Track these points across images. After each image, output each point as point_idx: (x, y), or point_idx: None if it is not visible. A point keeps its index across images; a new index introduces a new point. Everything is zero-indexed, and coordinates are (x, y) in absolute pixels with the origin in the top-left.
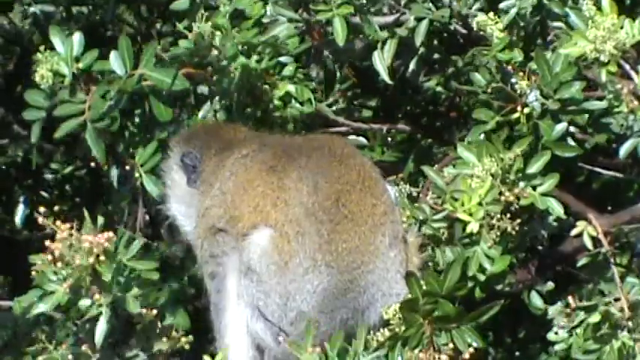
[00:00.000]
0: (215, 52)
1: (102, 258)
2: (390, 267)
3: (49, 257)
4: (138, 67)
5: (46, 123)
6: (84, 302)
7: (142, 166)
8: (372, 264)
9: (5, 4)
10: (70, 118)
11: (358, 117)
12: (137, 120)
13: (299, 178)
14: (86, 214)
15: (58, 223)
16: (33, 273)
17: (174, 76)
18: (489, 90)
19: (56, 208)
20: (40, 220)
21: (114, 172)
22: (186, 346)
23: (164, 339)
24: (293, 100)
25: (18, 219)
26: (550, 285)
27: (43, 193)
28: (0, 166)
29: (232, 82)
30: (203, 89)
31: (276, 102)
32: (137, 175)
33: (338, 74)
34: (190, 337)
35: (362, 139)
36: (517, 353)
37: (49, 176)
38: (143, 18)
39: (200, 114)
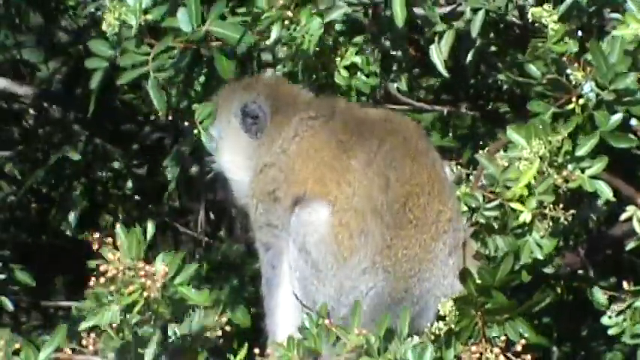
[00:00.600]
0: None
1: (155, 293)
2: (448, 274)
3: (102, 280)
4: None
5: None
6: (137, 327)
7: (200, 123)
8: (429, 272)
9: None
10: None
11: (419, 97)
12: (199, 77)
13: (368, 164)
14: (137, 228)
15: (110, 245)
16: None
17: (243, 33)
18: (544, 81)
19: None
20: (95, 246)
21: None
22: (227, 328)
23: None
24: (358, 72)
25: (72, 219)
26: (611, 280)
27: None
28: (54, 166)
29: (303, 47)
30: (267, 57)
31: (342, 71)
32: (195, 132)
33: (396, 53)
34: (229, 315)
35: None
36: (582, 353)
37: (103, 174)
38: None
39: None
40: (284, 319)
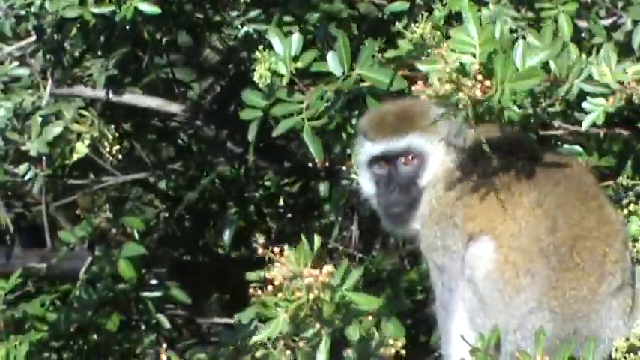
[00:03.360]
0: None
1: (322, 294)
2: (613, 315)
3: (270, 288)
4: (354, 67)
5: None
6: (305, 333)
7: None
8: (596, 313)
9: (214, 25)
10: (287, 118)
11: (574, 121)
12: (354, 121)
13: (538, 204)
14: (304, 240)
15: (276, 250)
16: (250, 290)
17: (393, 77)
18: None
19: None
20: (260, 251)
21: (323, 187)
22: (402, 352)
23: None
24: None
25: (226, 237)
26: None
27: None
28: (209, 184)
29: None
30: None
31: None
32: (353, 175)
33: None
34: (403, 340)
35: (577, 148)
36: None
37: (257, 194)
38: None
39: None
40: (459, 342)
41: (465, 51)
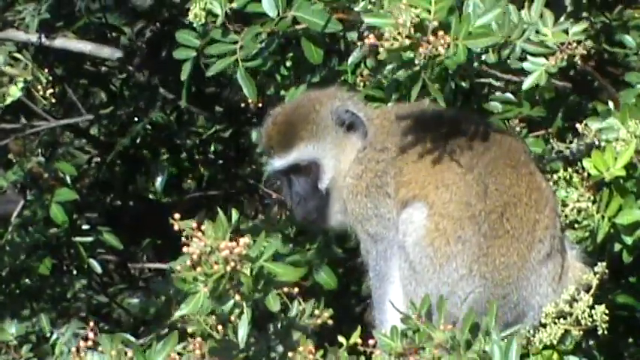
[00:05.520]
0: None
1: (239, 266)
2: (543, 282)
3: (188, 262)
4: (289, 9)
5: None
6: (225, 307)
7: None
8: (526, 280)
9: None
10: (221, 58)
11: (508, 69)
12: (288, 63)
13: (469, 168)
14: (220, 214)
15: (194, 225)
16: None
17: (328, 20)
18: None
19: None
20: (175, 227)
21: (254, 134)
22: (329, 322)
23: (304, 319)
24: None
25: (158, 184)
26: None
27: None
28: (141, 130)
29: None
30: (352, 35)
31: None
32: None
33: None
34: (331, 311)
35: (509, 96)
36: None
37: (189, 141)
38: None
39: (349, 60)
40: (392, 311)
41: (422, 6)
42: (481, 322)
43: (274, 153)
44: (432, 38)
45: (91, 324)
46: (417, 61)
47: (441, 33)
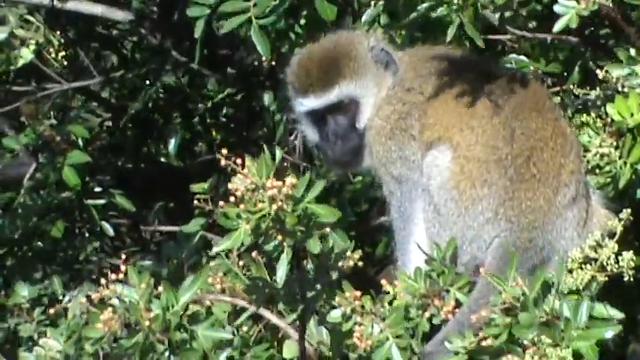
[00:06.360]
0: None
1: (285, 205)
2: (568, 226)
3: (232, 199)
4: None
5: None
6: (267, 246)
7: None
8: (552, 224)
9: None
10: (235, 15)
11: (523, 25)
12: (302, 21)
13: (495, 112)
14: (266, 152)
15: (238, 161)
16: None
17: None
18: None
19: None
20: (222, 162)
21: (267, 97)
22: (359, 263)
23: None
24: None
25: (171, 148)
26: None
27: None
28: (154, 94)
29: None
30: None
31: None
32: None
33: None
34: (360, 252)
35: (523, 58)
36: None
37: (201, 105)
38: None
39: (363, 18)
40: (416, 251)
41: None
42: (540, 273)
43: (312, 90)
44: None
45: (123, 256)
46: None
47: None
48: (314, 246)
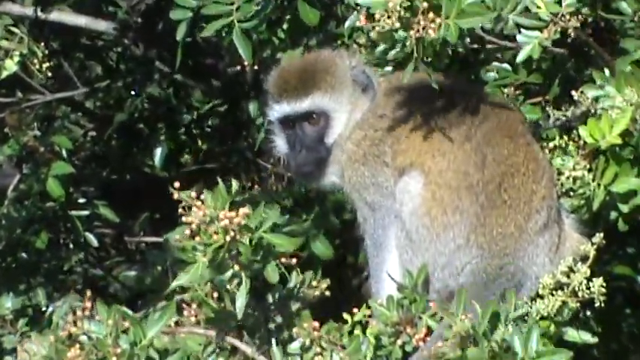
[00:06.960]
0: None
1: (238, 236)
2: (540, 253)
3: (187, 232)
4: None
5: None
6: (224, 276)
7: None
8: (523, 251)
9: None
10: (217, 19)
11: (505, 35)
12: (285, 25)
13: (467, 137)
14: (220, 184)
15: (193, 195)
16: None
17: None
18: (636, 19)
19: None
20: (175, 195)
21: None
22: (327, 293)
23: (304, 289)
24: None
25: (157, 159)
26: None
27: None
28: (139, 104)
29: None
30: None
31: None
32: None
33: None
34: (328, 281)
35: (506, 66)
36: None
37: (187, 116)
38: None
39: (346, 23)
40: (389, 280)
41: None
42: (478, 292)
43: (287, 97)
44: (422, 19)
45: (88, 293)
46: (407, 43)
47: (431, 15)
48: (272, 276)
